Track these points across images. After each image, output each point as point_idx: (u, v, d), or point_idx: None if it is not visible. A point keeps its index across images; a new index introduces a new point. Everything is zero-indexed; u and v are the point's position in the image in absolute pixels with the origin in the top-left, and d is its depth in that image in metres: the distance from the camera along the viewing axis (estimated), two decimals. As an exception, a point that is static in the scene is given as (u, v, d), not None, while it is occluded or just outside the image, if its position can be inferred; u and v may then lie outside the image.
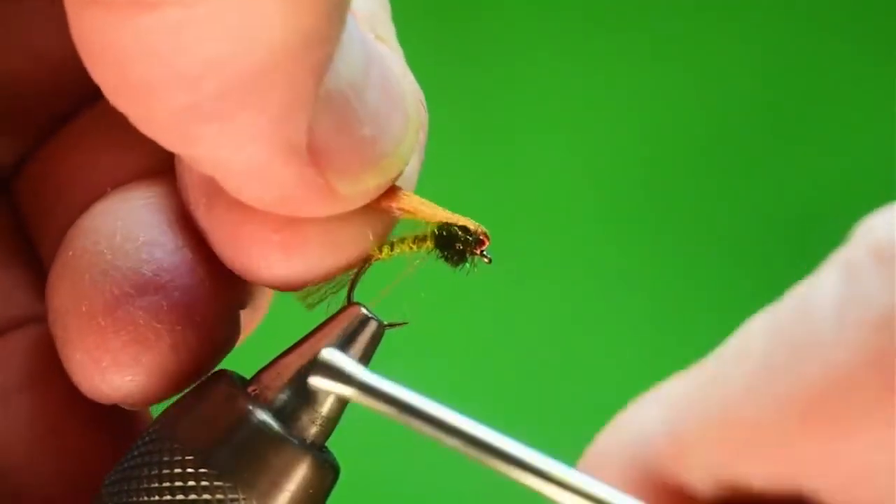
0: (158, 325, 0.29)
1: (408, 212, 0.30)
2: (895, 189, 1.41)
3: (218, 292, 0.30)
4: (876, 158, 1.42)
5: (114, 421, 0.32)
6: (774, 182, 1.42)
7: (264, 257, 0.29)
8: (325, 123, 0.26)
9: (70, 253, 0.31)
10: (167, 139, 0.26)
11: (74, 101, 0.34)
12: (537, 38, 1.39)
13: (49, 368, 0.31)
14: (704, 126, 1.43)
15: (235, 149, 0.26)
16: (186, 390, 0.31)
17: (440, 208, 0.31)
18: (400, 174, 0.29)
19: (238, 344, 0.33)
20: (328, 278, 0.30)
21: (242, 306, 0.32)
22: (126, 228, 0.30)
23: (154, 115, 0.25)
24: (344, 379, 0.28)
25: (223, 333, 0.31)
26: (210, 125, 0.25)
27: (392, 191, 0.30)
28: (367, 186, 0.28)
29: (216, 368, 0.31)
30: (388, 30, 0.31)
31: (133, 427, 0.33)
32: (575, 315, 1.40)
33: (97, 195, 0.32)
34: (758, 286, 1.42)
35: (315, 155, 0.26)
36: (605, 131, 1.41)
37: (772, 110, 1.43)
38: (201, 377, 0.31)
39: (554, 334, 1.39)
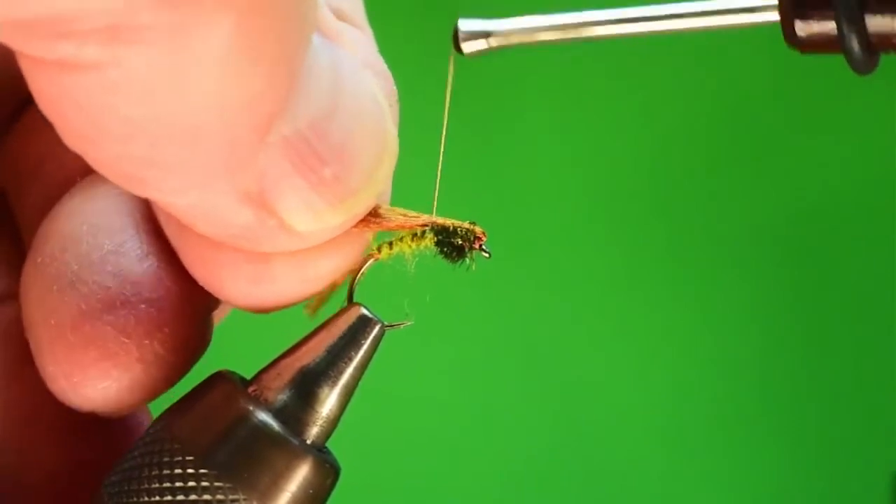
0: (126, 340, 0.29)
1: (390, 229, 0.30)
2: (895, 190, 1.40)
3: (186, 300, 0.30)
4: (875, 163, 1.42)
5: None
6: (774, 181, 1.42)
7: (235, 284, 0.29)
8: (280, 167, 0.25)
9: (39, 259, 0.30)
10: (115, 180, 0.26)
11: None
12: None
13: (25, 352, 0.31)
14: (704, 127, 1.43)
15: (180, 193, 0.25)
16: (188, 391, 0.31)
17: (424, 215, 0.31)
18: (370, 207, 0.28)
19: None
20: (301, 302, 0.30)
21: (213, 308, 0.32)
22: (92, 234, 0.30)
23: (95, 159, 0.25)
24: (486, 35, 0.31)
25: (194, 339, 0.31)
26: (149, 171, 0.24)
27: (370, 213, 0.29)
28: (331, 224, 0.27)
29: (219, 368, 0.31)
30: (358, 8, 0.30)
31: (116, 422, 0.33)
32: (574, 312, 1.40)
33: (68, 177, 0.32)
34: (755, 284, 1.42)
35: (268, 199, 0.26)
36: (604, 131, 1.41)
37: (772, 111, 1.43)
38: (175, 382, 0.31)
39: (554, 332, 1.38)
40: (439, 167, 0.31)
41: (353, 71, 0.27)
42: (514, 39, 0.31)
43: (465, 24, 0.31)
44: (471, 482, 1.35)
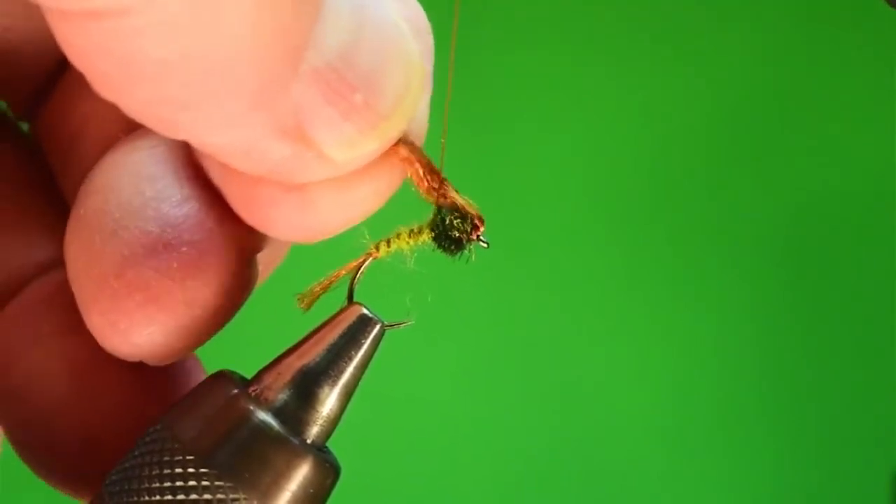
0: (170, 283, 0.29)
1: (412, 167, 0.29)
2: (895, 190, 1.41)
3: (229, 241, 0.30)
4: (875, 163, 1.42)
5: (148, 366, 0.32)
6: (774, 181, 1.42)
7: (280, 216, 0.29)
8: (312, 98, 0.26)
9: (81, 211, 0.30)
10: (149, 124, 0.26)
11: None
12: (539, 36, 1.39)
13: (79, 312, 0.31)
14: (704, 127, 1.43)
15: (216, 133, 0.26)
16: (189, 390, 0.31)
17: (448, 184, 0.30)
18: (402, 132, 0.28)
19: (260, 284, 0.32)
20: (345, 229, 0.30)
21: (259, 249, 0.32)
22: (132, 183, 0.30)
23: (129, 105, 0.25)
24: None
25: (239, 281, 0.30)
26: (184, 113, 0.25)
27: (400, 142, 0.29)
28: (365, 151, 0.27)
29: (219, 368, 0.31)
30: None
31: (168, 372, 0.33)
32: (574, 312, 1.40)
33: (109, 137, 0.32)
34: (755, 284, 1.42)
35: (304, 130, 0.26)
36: (604, 131, 1.41)
37: (772, 111, 1.43)
38: (223, 325, 0.31)
39: (554, 332, 1.38)
40: (446, 117, 0.31)
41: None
42: None
43: None
44: (471, 481, 1.35)
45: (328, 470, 0.30)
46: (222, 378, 0.30)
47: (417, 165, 0.29)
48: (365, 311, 0.31)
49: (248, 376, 0.31)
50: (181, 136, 0.26)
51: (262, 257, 0.32)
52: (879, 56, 1.42)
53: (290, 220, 0.29)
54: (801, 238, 1.41)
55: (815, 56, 1.42)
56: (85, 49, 0.23)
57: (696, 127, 1.41)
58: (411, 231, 0.31)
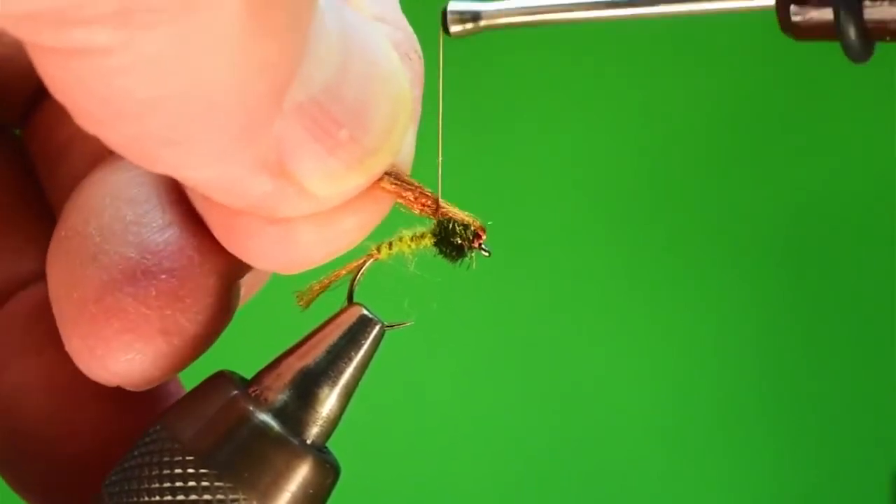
0: (148, 312, 0.29)
1: (401, 197, 0.29)
2: (894, 190, 1.41)
3: (210, 269, 0.30)
4: (875, 163, 1.42)
5: None
6: (774, 180, 1.42)
7: (260, 248, 0.28)
8: (296, 133, 0.25)
9: (63, 233, 0.30)
10: (130, 158, 0.26)
11: None
12: (539, 36, 1.39)
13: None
14: (704, 126, 1.43)
15: (197, 168, 0.25)
16: (188, 391, 0.31)
17: (441, 201, 0.30)
18: (388, 165, 0.28)
19: (242, 305, 0.32)
20: (328, 261, 0.30)
21: (241, 276, 0.31)
22: (114, 206, 0.30)
23: (110, 139, 0.25)
24: (474, 17, 0.31)
25: (219, 310, 0.30)
26: (165, 149, 0.24)
27: (386, 175, 0.28)
28: (350, 186, 0.27)
29: (219, 368, 0.31)
30: None
31: (149, 394, 0.32)
32: (574, 312, 1.40)
33: (96, 153, 0.32)
34: (755, 283, 1.42)
35: (287, 166, 0.25)
36: (604, 130, 1.41)
37: (772, 110, 1.43)
38: (203, 352, 0.30)
39: (554, 332, 1.38)
40: (440, 151, 0.31)
41: (361, 28, 0.27)
42: (503, 21, 0.30)
43: (454, 6, 0.31)
44: (471, 481, 1.35)
45: (328, 470, 0.30)
46: (222, 378, 0.30)
47: (408, 194, 0.29)
48: (365, 311, 0.31)
49: (248, 376, 0.31)
50: (161, 171, 0.26)
51: (245, 280, 0.32)
52: (879, 56, 1.42)
53: (270, 252, 0.28)
54: (801, 238, 1.41)
55: (816, 56, 1.42)
56: (66, 85, 0.23)
57: (696, 127, 1.41)
58: (413, 235, 0.31)
